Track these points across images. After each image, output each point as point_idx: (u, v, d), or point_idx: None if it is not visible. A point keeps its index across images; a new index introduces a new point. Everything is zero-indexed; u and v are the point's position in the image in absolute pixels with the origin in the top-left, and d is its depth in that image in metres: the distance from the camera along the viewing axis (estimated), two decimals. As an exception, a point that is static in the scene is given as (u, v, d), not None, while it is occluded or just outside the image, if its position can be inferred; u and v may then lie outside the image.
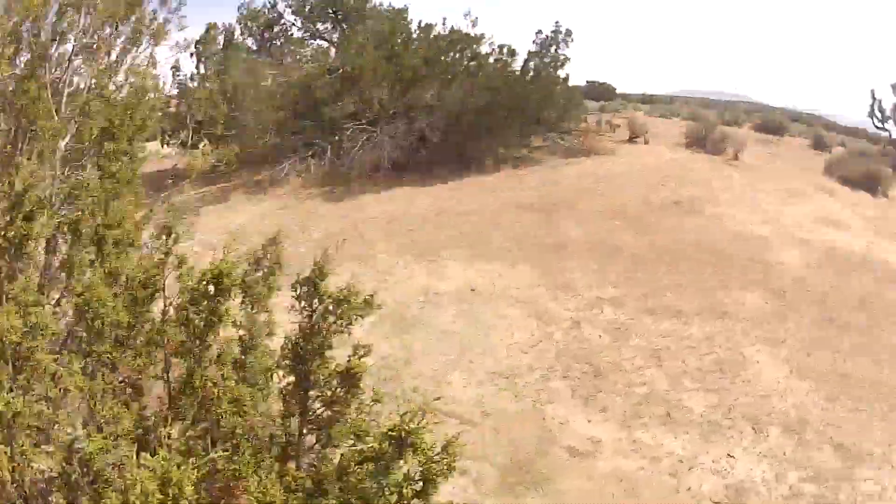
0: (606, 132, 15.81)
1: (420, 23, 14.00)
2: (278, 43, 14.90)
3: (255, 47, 15.11)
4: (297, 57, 13.09)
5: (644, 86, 62.89)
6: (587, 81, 26.28)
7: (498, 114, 12.99)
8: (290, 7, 15.07)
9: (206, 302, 3.58)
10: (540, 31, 14.16)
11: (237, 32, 14.78)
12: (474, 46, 13.78)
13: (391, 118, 12.71)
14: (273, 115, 12.71)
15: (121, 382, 3.60)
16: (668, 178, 12.30)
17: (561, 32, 14.04)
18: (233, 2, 14.92)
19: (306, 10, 14.96)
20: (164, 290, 3.83)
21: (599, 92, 25.53)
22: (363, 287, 3.68)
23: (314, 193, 12.29)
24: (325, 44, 15.27)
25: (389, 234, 9.98)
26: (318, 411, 3.75)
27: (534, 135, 14.38)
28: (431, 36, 13.63)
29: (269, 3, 15.23)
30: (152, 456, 2.71)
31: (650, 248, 9.46)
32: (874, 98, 19.34)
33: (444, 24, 14.14)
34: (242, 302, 3.86)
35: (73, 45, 5.28)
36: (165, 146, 16.16)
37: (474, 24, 14.02)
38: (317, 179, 12.74)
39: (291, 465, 3.67)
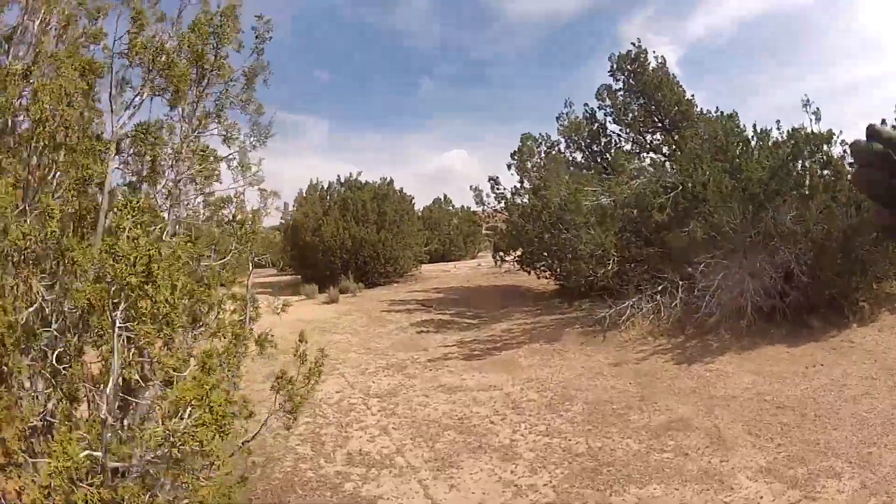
0: None
1: (755, 126, 11.02)
2: (608, 156, 12.99)
3: (581, 161, 13.49)
4: (627, 172, 11.06)
5: None
6: None
7: (866, 237, 9.41)
8: (610, 116, 13.15)
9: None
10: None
11: (562, 146, 13.36)
12: (825, 147, 10.23)
13: (748, 249, 9.94)
14: (611, 239, 10.80)
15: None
16: None
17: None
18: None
19: (627, 118, 12.90)
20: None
21: None
22: None
23: (661, 347, 10.07)
24: (657, 156, 12.93)
25: (758, 430, 6.62)
26: None
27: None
28: (770, 143, 10.52)
29: (588, 112, 13.52)
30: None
31: None
32: None
33: (778, 126, 11.16)
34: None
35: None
36: (498, 263, 15.58)
37: (817, 117, 10.47)
38: (666, 326, 10.52)
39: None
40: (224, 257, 5.53)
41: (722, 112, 12.30)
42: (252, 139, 5.92)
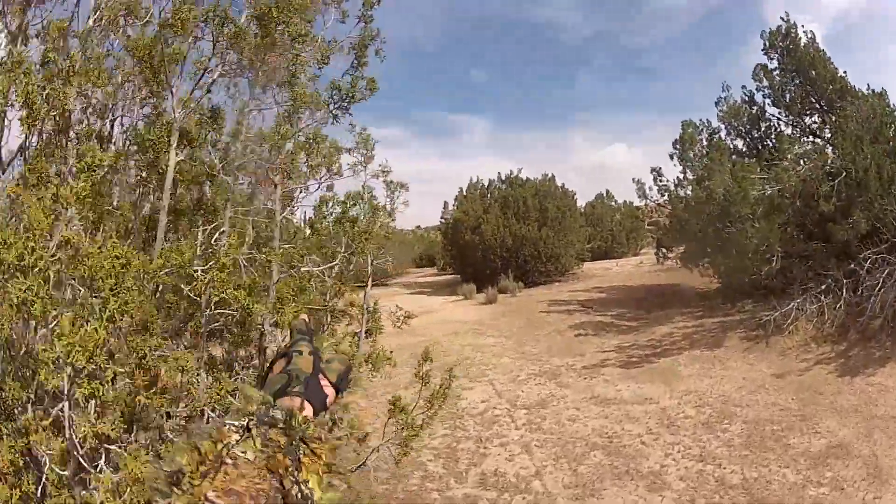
0: None
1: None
2: (769, 143, 11.57)
3: (743, 148, 12.16)
4: (790, 158, 9.76)
5: None
6: None
7: None
8: (769, 99, 11.68)
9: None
10: None
11: (723, 133, 12.11)
12: None
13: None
14: (776, 233, 9.65)
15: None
16: None
17: None
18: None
19: (785, 99, 11.38)
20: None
21: None
22: None
23: (824, 355, 8.92)
24: (819, 140, 11.29)
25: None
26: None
27: None
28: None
29: (746, 95, 12.11)
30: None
31: None
32: None
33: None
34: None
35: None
36: (661, 260, 14.58)
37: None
38: (830, 331, 9.30)
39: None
40: (332, 261, 5.22)
41: (873, 90, 10.73)
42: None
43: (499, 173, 23.27)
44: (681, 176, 12.18)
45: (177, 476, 0.84)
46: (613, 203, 29.02)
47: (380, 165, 6.14)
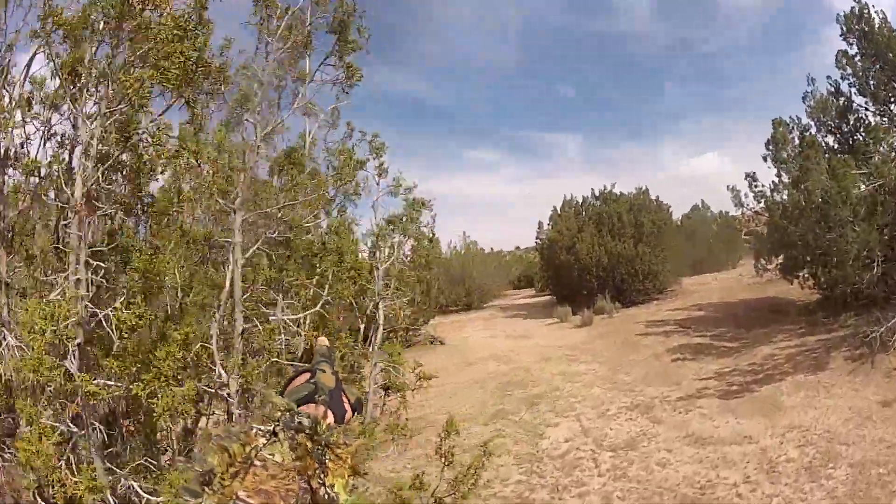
0: None
1: None
2: (859, 136, 10.46)
3: (834, 145, 11.10)
4: (881, 151, 8.78)
5: None
6: None
7: None
8: (854, 88, 10.59)
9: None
10: None
11: (813, 129, 11.11)
12: None
13: None
14: (875, 236, 8.70)
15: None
16: None
17: None
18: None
19: (870, 86, 10.25)
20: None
21: None
22: None
23: None
24: None
25: None
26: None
27: None
28: None
29: (832, 86, 11.03)
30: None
31: None
32: None
33: None
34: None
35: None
36: (760, 272, 13.56)
37: None
38: None
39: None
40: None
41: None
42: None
43: (592, 189, 22.58)
44: (776, 180, 11.31)
45: (208, 476, 0.89)
46: (709, 214, 27.59)
47: (394, 179, 5.76)
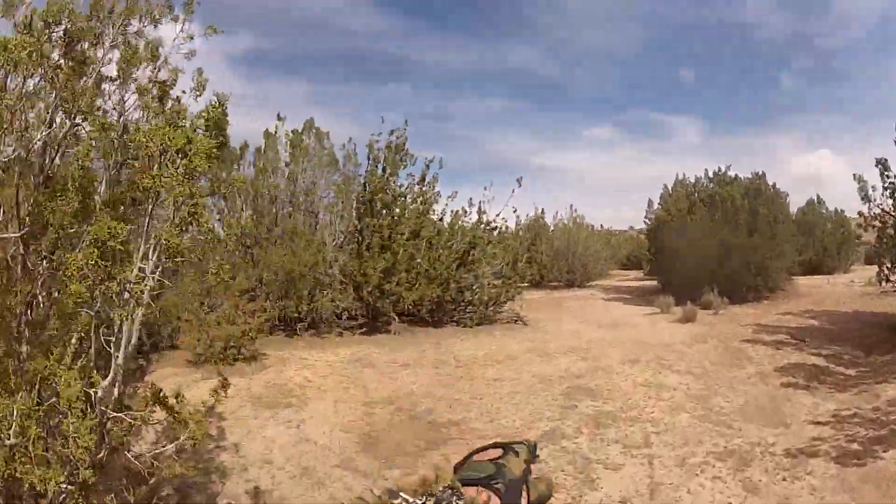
0: None
1: None
2: None
3: None
4: None
5: None
6: None
7: None
8: None
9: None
10: None
11: None
12: None
13: None
14: None
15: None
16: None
17: None
18: None
19: None
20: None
21: None
22: None
23: None
24: None
25: None
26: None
27: None
28: None
29: None
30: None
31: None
32: None
33: None
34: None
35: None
36: (882, 281, 11.89)
37: None
38: None
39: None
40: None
41: None
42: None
43: (706, 170, 20.94)
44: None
45: None
46: (824, 211, 25.20)
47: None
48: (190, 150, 3.76)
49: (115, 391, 4.05)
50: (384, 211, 14.61)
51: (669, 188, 21.81)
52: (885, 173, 11.42)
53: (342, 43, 72.71)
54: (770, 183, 19.46)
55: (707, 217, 18.56)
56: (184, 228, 3.86)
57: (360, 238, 14.56)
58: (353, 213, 14.83)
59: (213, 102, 4.17)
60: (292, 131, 14.88)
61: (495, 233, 16.17)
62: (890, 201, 11.56)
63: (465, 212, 15.97)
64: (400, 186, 15.03)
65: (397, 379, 10.62)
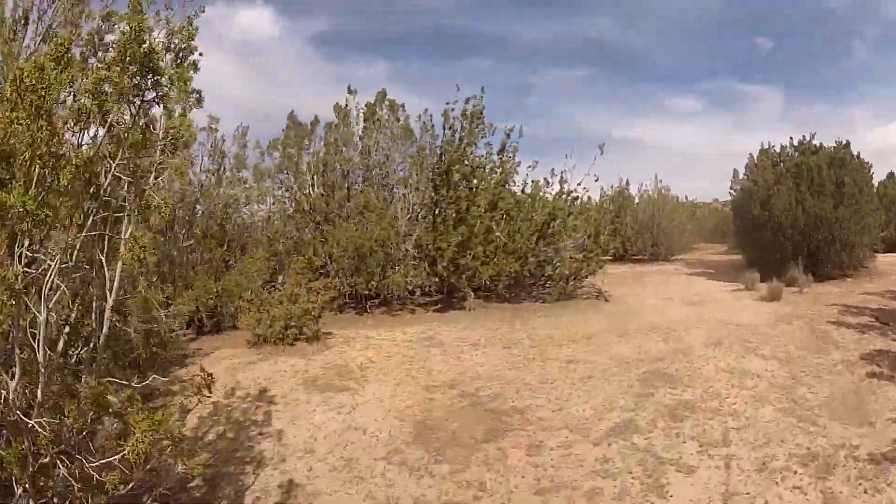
0: None
1: None
2: None
3: None
4: None
5: None
6: None
7: None
8: None
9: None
10: None
11: None
12: None
13: None
14: None
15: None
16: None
17: None
18: None
19: None
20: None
21: None
22: None
23: None
24: None
25: None
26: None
27: None
28: None
29: None
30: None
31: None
32: None
33: None
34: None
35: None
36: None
37: None
38: None
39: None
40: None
41: None
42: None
43: (790, 138, 19.94)
44: None
45: None
46: None
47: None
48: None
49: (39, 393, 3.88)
50: (462, 182, 14.48)
51: (755, 158, 20.86)
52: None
53: (419, 21, 72.36)
54: (854, 153, 18.39)
55: (793, 188, 17.75)
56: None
57: (435, 211, 14.55)
58: (429, 186, 14.73)
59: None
60: (365, 104, 14.90)
61: (577, 202, 15.80)
62: None
63: (547, 182, 15.72)
64: (478, 157, 14.86)
65: (464, 360, 10.28)
